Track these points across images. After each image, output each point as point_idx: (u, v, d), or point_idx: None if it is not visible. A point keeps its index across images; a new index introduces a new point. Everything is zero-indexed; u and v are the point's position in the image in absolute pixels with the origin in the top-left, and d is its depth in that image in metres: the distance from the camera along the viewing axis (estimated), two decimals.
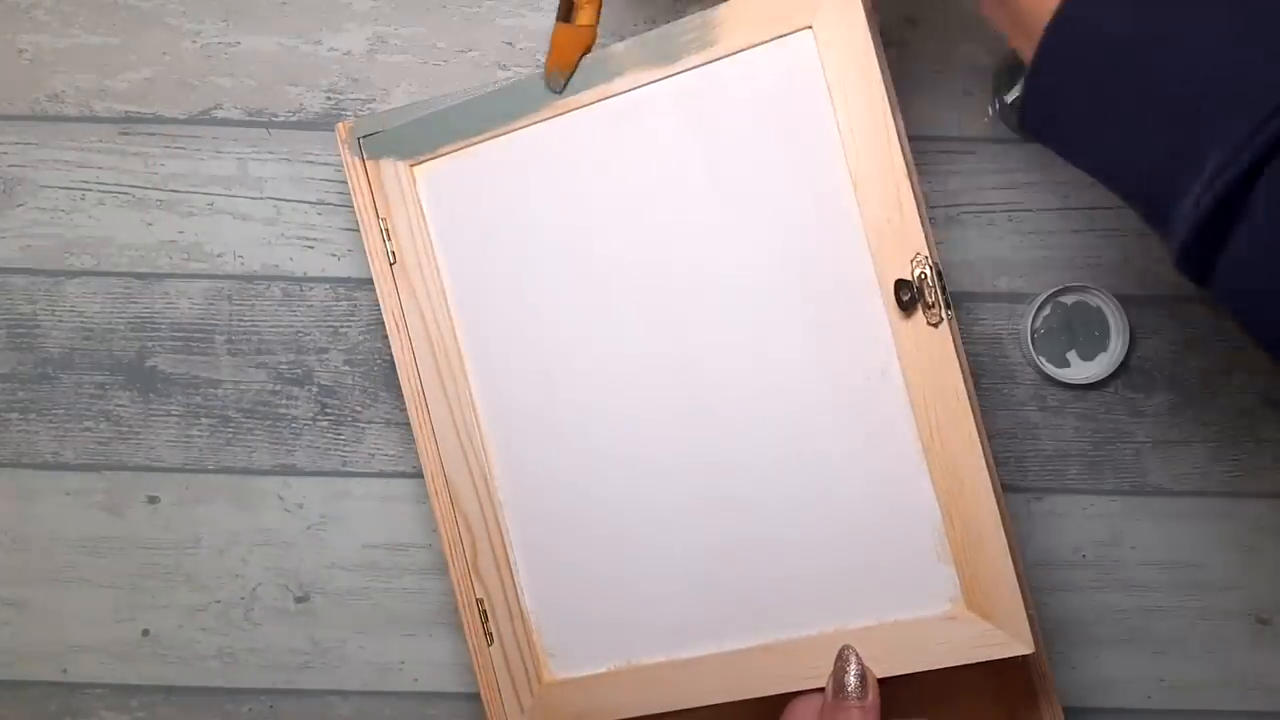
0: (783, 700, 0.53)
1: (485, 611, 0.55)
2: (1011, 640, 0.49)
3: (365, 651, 0.66)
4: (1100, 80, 0.40)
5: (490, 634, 0.55)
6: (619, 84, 0.54)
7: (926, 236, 0.51)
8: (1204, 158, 0.37)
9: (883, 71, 0.51)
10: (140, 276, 0.66)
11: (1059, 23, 0.40)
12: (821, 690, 0.51)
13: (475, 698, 0.56)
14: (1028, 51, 0.42)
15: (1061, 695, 0.56)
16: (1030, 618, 0.50)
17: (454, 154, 0.55)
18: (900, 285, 0.50)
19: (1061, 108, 0.42)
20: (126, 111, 0.65)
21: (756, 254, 0.53)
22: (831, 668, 0.50)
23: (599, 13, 0.54)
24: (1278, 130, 0.35)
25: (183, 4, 0.65)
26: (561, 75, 0.54)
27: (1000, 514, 0.50)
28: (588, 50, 0.54)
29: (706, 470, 0.54)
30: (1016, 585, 0.49)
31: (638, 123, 0.54)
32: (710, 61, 0.52)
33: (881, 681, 0.50)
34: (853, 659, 0.50)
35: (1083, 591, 0.65)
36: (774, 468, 0.53)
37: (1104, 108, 0.40)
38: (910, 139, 0.54)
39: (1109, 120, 0.40)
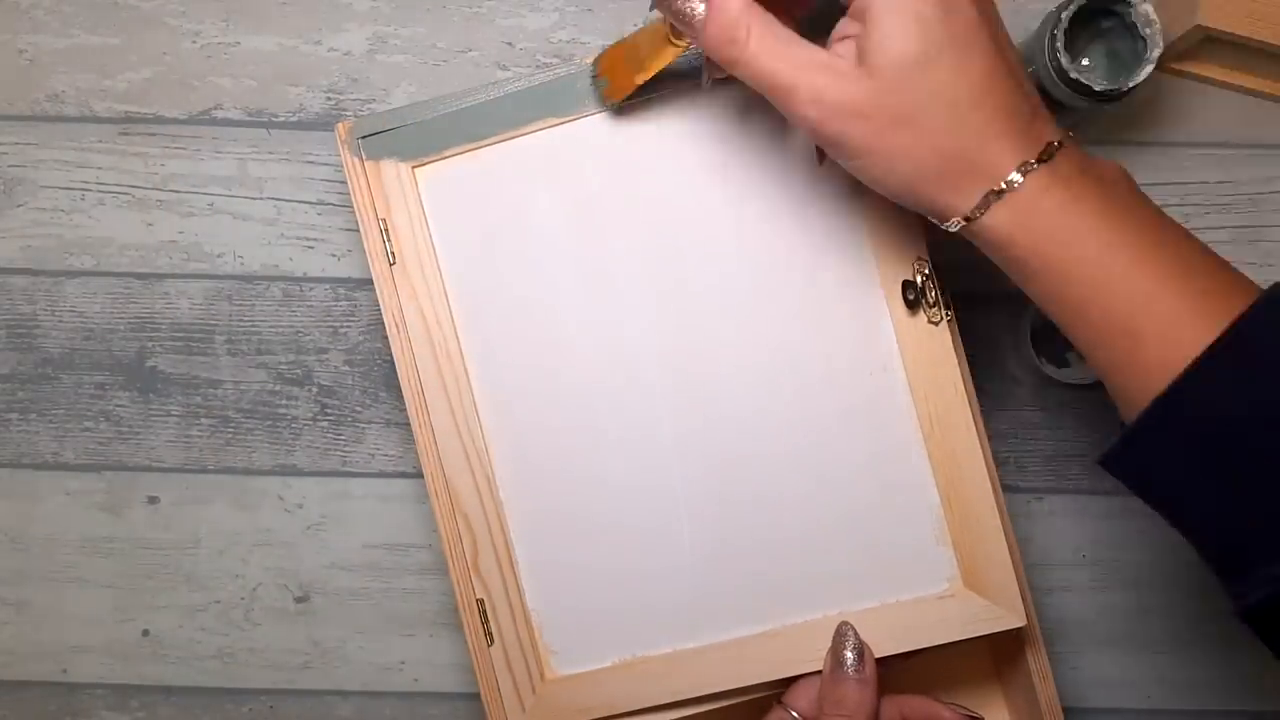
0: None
1: (485, 611, 0.55)
2: (1006, 615, 0.52)
3: (365, 651, 0.66)
4: (1202, 455, 0.41)
5: (490, 634, 0.55)
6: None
7: (927, 240, 0.53)
8: None
9: None
10: (140, 276, 0.66)
11: (1166, 402, 0.40)
12: (822, 672, 0.52)
13: (475, 698, 0.56)
14: (1125, 410, 0.43)
15: (1061, 695, 0.56)
16: (1023, 591, 0.53)
17: (458, 156, 0.56)
18: (906, 286, 0.52)
19: (1156, 472, 0.43)
20: (126, 111, 0.65)
21: (763, 256, 0.54)
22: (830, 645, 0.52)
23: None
24: None
25: (183, 4, 0.65)
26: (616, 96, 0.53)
27: (995, 497, 0.52)
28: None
29: (711, 464, 0.54)
30: (1010, 563, 0.52)
31: (648, 130, 0.54)
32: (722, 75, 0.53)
33: (882, 661, 0.51)
34: (850, 634, 0.51)
35: (1083, 591, 0.65)
36: (779, 460, 0.54)
37: (1202, 476, 0.41)
38: None
39: (1203, 484, 0.41)
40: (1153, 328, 0.41)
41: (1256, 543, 0.40)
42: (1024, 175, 0.42)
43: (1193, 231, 0.44)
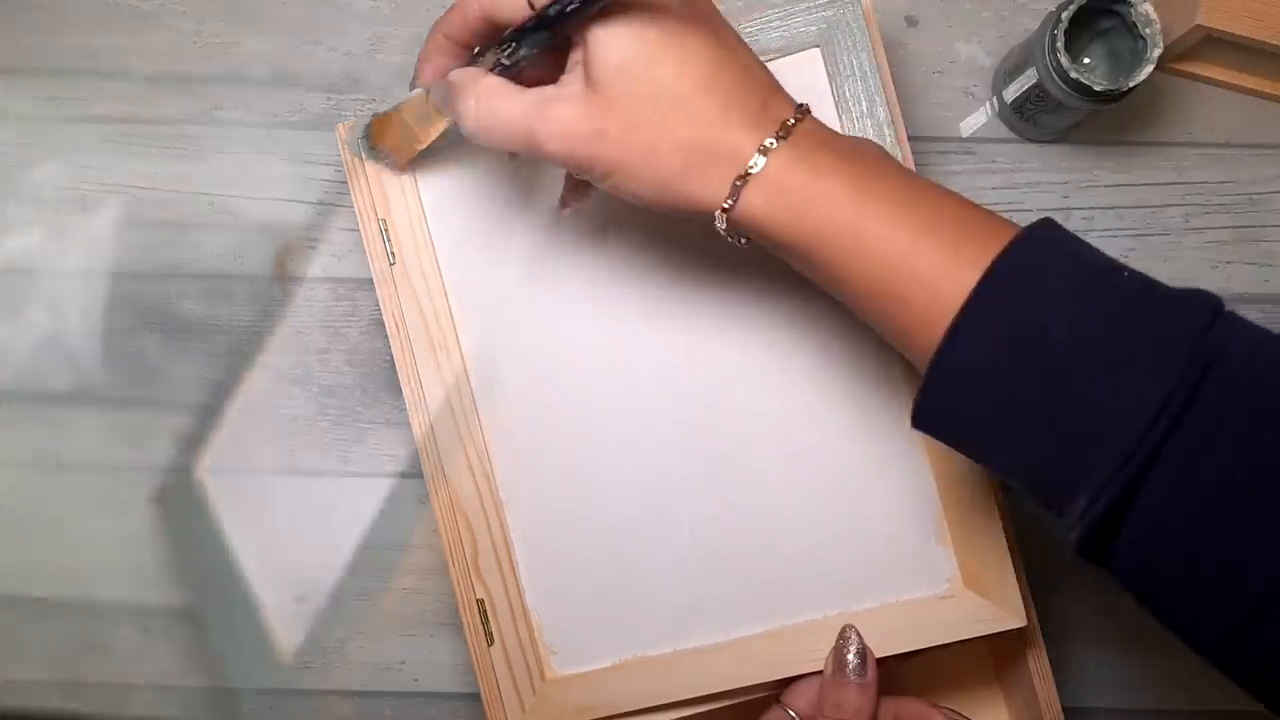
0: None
1: (485, 611, 0.55)
2: (1006, 615, 0.52)
3: (365, 651, 0.66)
4: (984, 410, 0.40)
5: (490, 634, 0.55)
6: None
7: None
8: (1090, 470, 0.38)
9: (886, 88, 0.53)
10: (140, 276, 0.66)
11: (940, 360, 0.40)
12: (822, 673, 0.52)
13: (475, 698, 0.56)
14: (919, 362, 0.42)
15: (1061, 695, 0.56)
16: (1023, 592, 0.53)
17: (458, 156, 0.56)
18: None
19: (959, 428, 0.42)
20: (126, 111, 0.65)
21: (762, 255, 0.54)
22: (832, 646, 0.52)
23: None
24: (1143, 458, 0.37)
25: (183, 4, 0.65)
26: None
27: (995, 497, 0.53)
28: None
29: (711, 464, 0.54)
30: (1010, 563, 0.52)
31: None
32: None
33: (881, 662, 0.51)
34: (854, 637, 0.51)
35: (1083, 591, 0.65)
36: (778, 459, 0.54)
37: (996, 421, 0.40)
38: (910, 139, 0.54)
39: (1000, 429, 0.41)
40: (914, 288, 0.41)
41: (1065, 482, 0.39)
42: (765, 155, 0.43)
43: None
